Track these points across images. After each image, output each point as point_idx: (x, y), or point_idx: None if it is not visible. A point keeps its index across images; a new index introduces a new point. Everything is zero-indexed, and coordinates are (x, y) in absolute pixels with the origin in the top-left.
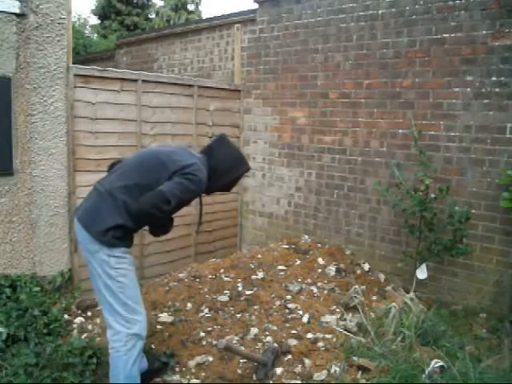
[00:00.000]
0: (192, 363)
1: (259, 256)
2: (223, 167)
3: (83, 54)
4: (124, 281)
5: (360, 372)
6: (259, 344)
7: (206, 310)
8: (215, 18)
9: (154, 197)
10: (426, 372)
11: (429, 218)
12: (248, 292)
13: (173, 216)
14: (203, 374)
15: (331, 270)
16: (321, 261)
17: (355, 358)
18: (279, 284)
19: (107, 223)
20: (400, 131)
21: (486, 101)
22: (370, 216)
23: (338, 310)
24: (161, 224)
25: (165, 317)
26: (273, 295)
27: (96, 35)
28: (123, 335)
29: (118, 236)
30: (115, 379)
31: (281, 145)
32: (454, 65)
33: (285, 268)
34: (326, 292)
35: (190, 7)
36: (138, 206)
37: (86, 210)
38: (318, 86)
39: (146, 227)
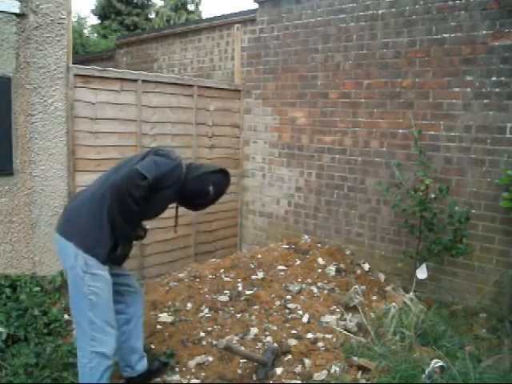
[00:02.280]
0: (192, 363)
1: (259, 256)
2: (190, 190)
3: (82, 53)
4: (94, 299)
5: (360, 372)
6: (259, 344)
7: (206, 310)
8: (215, 18)
9: (128, 174)
10: (426, 372)
11: (429, 217)
12: (248, 292)
13: (164, 217)
14: (203, 373)
15: (331, 269)
16: (321, 261)
17: (355, 358)
18: (279, 284)
19: (88, 228)
20: (400, 131)
21: (485, 101)
22: (369, 216)
23: (338, 310)
24: (143, 214)
25: (165, 317)
26: (273, 295)
27: (96, 35)
28: (87, 352)
29: (101, 242)
30: None
31: (281, 145)
32: (454, 65)
33: (285, 268)
34: (325, 292)
35: (190, 7)
36: (115, 191)
37: (65, 220)
38: (318, 86)
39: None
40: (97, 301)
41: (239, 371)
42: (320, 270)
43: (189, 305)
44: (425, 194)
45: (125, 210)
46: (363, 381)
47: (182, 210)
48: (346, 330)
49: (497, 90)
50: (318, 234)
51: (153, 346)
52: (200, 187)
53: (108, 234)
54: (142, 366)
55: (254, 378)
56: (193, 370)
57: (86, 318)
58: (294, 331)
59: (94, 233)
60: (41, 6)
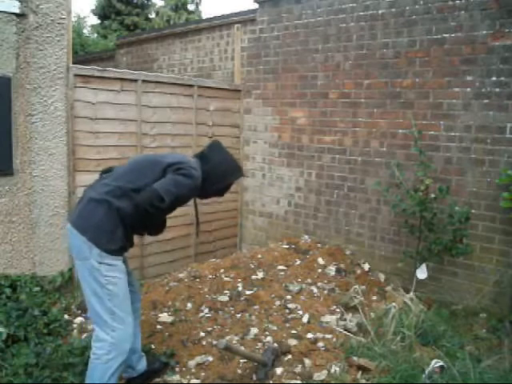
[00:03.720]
0: (192, 363)
1: (259, 256)
2: (217, 172)
3: (81, 53)
4: (113, 289)
5: (360, 372)
6: (259, 344)
7: (206, 310)
8: (215, 17)
9: (148, 194)
10: (426, 372)
11: (429, 217)
12: (248, 292)
13: (167, 217)
14: (203, 373)
15: (331, 270)
16: (321, 261)
17: (355, 358)
18: (279, 284)
19: (102, 228)
20: (400, 131)
21: (485, 101)
22: (370, 216)
23: (338, 310)
24: (155, 224)
25: (165, 317)
26: (273, 295)
27: (96, 35)
28: (107, 344)
29: (113, 241)
30: None
31: (281, 145)
32: (454, 65)
33: (285, 268)
34: (326, 292)
35: (190, 7)
36: (133, 204)
37: (80, 215)
38: (318, 86)
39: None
40: (116, 290)
41: (239, 371)
42: (320, 270)
43: (189, 305)
44: (425, 193)
45: (142, 221)
46: (363, 381)
47: (180, 210)
48: (346, 330)
49: (497, 90)
50: (318, 234)
51: (153, 346)
52: (229, 162)
53: (121, 233)
54: (142, 365)
55: (254, 378)
56: (193, 370)
57: (106, 309)
58: (293, 331)
59: (107, 232)
60: (41, 6)
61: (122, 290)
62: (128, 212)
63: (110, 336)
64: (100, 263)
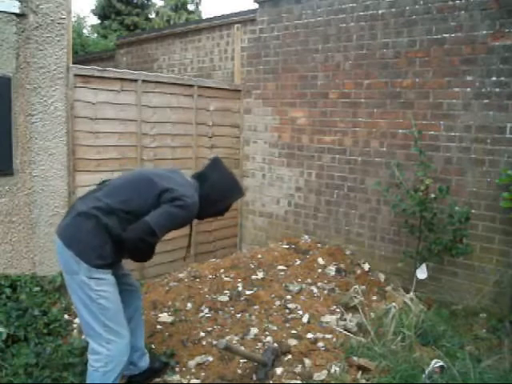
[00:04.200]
0: (192, 363)
1: (259, 256)
2: (216, 193)
3: (81, 53)
4: (104, 303)
5: (360, 372)
6: (259, 344)
7: (206, 310)
8: (215, 18)
9: (139, 229)
10: (426, 372)
11: (429, 217)
12: (248, 292)
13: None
14: (203, 373)
15: (331, 270)
16: (321, 261)
17: (355, 358)
18: (279, 284)
19: (90, 243)
20: (400, 131)
21: (485, 101)
22: (370, 216)
23: (338, 310)
24: (145, 253)
25: (165, 317)
26: (273, 295)
27: (96, 35)
28: (103, 356)
29: (102, 257)
30: None
31: (281, 145)
32: (454, 65)
33: (285, 268)
34: (326, 292)
35: (190, 7)
36: (124, 237)
37: (68, 227)
38: (318, 86)
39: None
40: (107, 304)
41: (239, 371)
42: (320, 270)
43: (189, 305)
44: (425, 193)
45: (133, 249)
46: (363, 381)
47: None
48: (346, 330)
49: (497, 90)
50: (318, 234)
51: (153, 346)
52: (228, 182)
53: (110, 249)
54: (145, 362)
55: (254, 378)
56: (193, 370)
57: (99, 323)
58: (294, 331)
59: (95, 247)
60: (41, 6)
61: (113, 304)
62: (115, 232)
63: (105, 348)
64: (90, 278)
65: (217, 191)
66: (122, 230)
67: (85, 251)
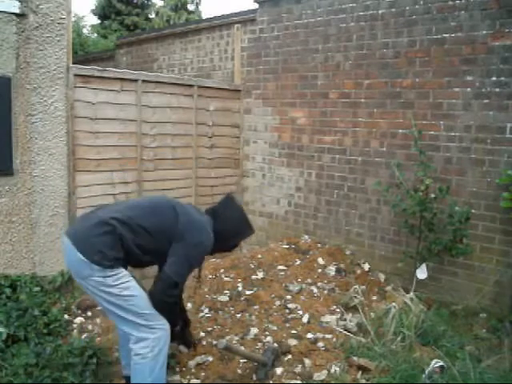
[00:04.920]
0: (192, 363)
1: (259, 256)
2: (229, 231)
3: (80, 53)
4: (129, 293)
5: (360, 372)
6: (259, 344)
7: (206, 310)
8: (215, 17)
9: (161, 284)
10: (426, 372)
11: (429, 217)
12: (248, 292)
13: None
14: (203, 373)
15: (331, 270)
16: (321, 261)
17: (355, 358)
18: (279, 284)
19: (103, 248)
20: (400, 131)
21: (485, 101)
22: (370, 216)
23: (338, 310)
24: (171, 307)
25: None
26: (273, 295)
27: (96, 35)
28: (149, 341)
29: (116, 263)
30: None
31: (281, 145)
32: (454, 65)
33: (285, 268)
34: (326, 292)
35: (190, 7)
36: (150, 295)
37: (82, 232)
38: (318, 86)
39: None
40: (132, 293)
41: (239, 371)
42: (320, 270)
43: (189, 305)
44: (425, 193)
45: (160, 305)
46: (363, 381)
47: None
48: (346, 330)
49: (497, 90)
50: (318, 234)
51: None
52: (240, 220)
53: (122, 256)
54: None
55: (254, 378)
56: (193, 370)
57: (133, 314)
58: (294, 331)
59: (108, 253)
60: (41, 6)
61: (137, 290)
62: (128, 243)
63: (150, 333)
64: (104, 277)
65: (229, 228)
66: (135, 244)
67: (97, 256)
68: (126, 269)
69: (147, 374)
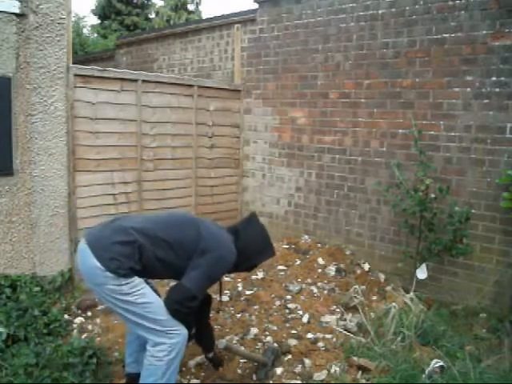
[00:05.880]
0: (192, 363)
1: None
2: (250, 251)
3: (80, 53)
4: (144, 300)
5: (360, 372)
6: (259, 344)
7: None
8: (215, 18)
9: (179, 294)
10: (426, 372)
11: (429, 217)
12: (248, 292)
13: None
14: (203, 374)
15: (331, 270)
16: (321, 261)
17: (355, 358)
18: (279, 284)
19: (121, 257)
20: (400, 131)
21: (485, 101)
22: (370, 216)
23: (338, 310)
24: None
25: None
26: (273, 295)
27: (96, 35)
28: (167, 345)
29: (130, 268)
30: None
31: (281, 145)
32: (454, 65)
33: (285, 268)
34: (326, 292)
35: (190, 7)
36: (164, 302)
37: (101, 239)
38: (318, 86)
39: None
40: (147, 300)
41: (239, 371)
42: (320, 270)
43: None
44: (425, 193)
45: (173, 309)
46: (363, 381)
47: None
48: (346, 330)
49: (497, 90)
50: (318, 234)
51: None
52: (262, 240)
53: (139, 268)
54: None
55: (254, 378)
56: (193, 370)
57: (149, 321)
58: (294, 331)
59: (125, 262)
60: (41, 6)
61: (152, 296)
62: (148, 255)
63: (167, 338)
64: (119, 285)
65: (251, 247)
66: (155, 256)
67: (113, 264)
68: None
69: (160, 376)
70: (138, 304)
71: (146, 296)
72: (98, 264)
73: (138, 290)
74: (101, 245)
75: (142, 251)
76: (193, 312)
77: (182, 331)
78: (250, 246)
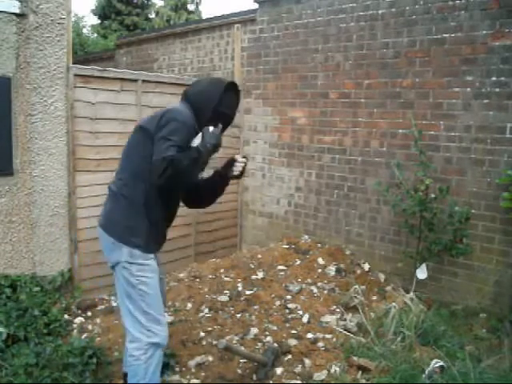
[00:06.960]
0: (192, 363)
1: (259, 256)
2: (202, 96)
3: (80, 53)
4: (145, 289)
5: (360, 372)
6: (259, 344)
7: (206, 310)
8: (215, 17)
9: (156, 171)
10: (426, 372)
11: (429, 217)
12: (248, 292)
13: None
14: (203, 374)
15: (331, 270)
16: (321, 261)
17: (355, 358)
18: (279, 284)
19: (125, 223)
20: (400, 131)
21: (485, 101)
22: (370, 216)
23: (338, 310)
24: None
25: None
26: (273, 295)
27: (96, 35)
28: (143, 343)
29: (136, 235)
30: None
31: (281, 145)
32: (454, 65)
33: (285, 268)
34: (326, 292)
35: (190, 7)
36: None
37: (105, 215)
38: (318, 86)
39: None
40: (147, 290)
41: (239, 371)
42: (320, 270)
43: (189, 305)
44: (425, 193)
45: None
46: (363, 381)
47: (181, 210)
48: (346, 330)
49: (497, 90)
50: (318, 234)
51: None
52: (208, 81)
53: (145, 226)
54: None
55: (254, 378)
56: (193, 370)
57: (139, 309)
58: (294, 331)
59: (128, 227)
60: (41, 6)
61: (153, 290)
62: (146, 197)
63: (145, 335)
64: (131, 263)
65: (201, 95)
66: (144, 194)
67: (124, 232)
68: (154, 249)
69: (142, 376)
70: (137, 289)
71: (148, 286)
72: (112, 239)
73: (144, 277)
74: (107, 220)
75: (133, 201)
76: (185, 169)
77: (161, 333)
78: (199, 92)
